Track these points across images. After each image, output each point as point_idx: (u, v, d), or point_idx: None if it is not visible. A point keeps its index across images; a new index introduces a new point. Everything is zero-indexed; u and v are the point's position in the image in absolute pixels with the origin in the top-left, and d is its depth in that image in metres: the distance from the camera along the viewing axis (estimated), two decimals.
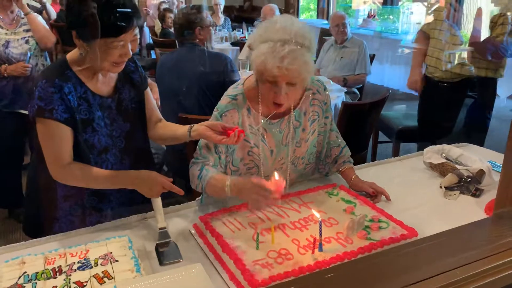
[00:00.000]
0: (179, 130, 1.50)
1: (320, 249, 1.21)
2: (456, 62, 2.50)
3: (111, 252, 1.19)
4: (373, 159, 3.39)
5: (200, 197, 1.64)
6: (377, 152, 3.52)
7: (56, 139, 1.30)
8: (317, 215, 1.24)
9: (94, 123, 1.36)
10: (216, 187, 1.40)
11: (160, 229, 1.35)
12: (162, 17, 5.77)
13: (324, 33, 5.88)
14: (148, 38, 6.82)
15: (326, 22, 7.84)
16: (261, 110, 1.52)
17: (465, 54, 2.50)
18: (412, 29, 7.72)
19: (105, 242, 1.24)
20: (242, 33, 5.83)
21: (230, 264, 1.18)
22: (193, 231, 1.38)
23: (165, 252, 1.28)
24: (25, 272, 1.12)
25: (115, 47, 1.27)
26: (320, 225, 1.22)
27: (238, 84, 1.56)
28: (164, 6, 6.22)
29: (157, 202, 1.40)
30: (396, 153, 3.24)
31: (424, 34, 2.78)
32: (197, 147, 1.53)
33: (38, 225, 1.46)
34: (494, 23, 2.65)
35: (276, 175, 1.31)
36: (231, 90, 1.56)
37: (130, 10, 1.26)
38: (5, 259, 1.17)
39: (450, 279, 0.82)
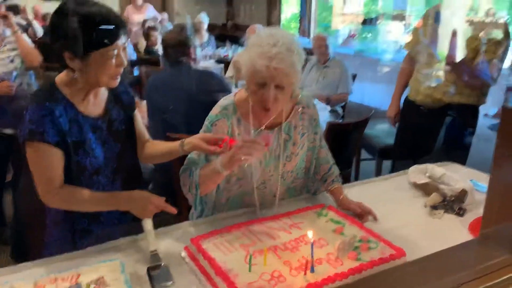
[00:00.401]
0: (169, 146, 1.53)
1: (312, 271, 1.23)
2: (438, 87, 2.55)
3: (103, 277, 1.18)
4: (356, 176, 3.44)
5: (191, 212, 1.66)
6: (360, 169, 3.58)
7: (47, 163, 1.30)
8: (310, 235, 1.26)
9: (85, 145, 1.36)
10: (208, 173, 1.45)
11: (151, 252, 1.35)
12: (146, 35, 5.79)
13: (306, 52, 5.98)
14: (132, 55, 6.80)
15: (308, 40, 7.99)
16: (252, 122, 1.54)
17: (449, 78, 2.54)
18: (392, 48, 7.95)
19: (97, 266, 1.23)
20: (226, 51, 5.89)
21: None
22: (184, 254, 1.38)
23: (157, 275, 1.27)
24: None
25: (110, 57, 1.29)
26: (312, 247, 1.24)
27: (230, 95, 1.60)
28: (149, 24, 6.24)
29: (148, 224, 1.40)
30: (378, 170, 3.31)
31: (410, 57, 2.83)
32: (187, 158, 1.56)
33: (26, 249, 1.43)
34: (472, 48, 2.71)
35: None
36: (222, 101, 1.60)
37: (116, 16, 1.29)
38: None
39: None
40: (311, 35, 8.47)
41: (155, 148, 1.57)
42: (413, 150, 2.67)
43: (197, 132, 1.79)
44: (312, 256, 1.23)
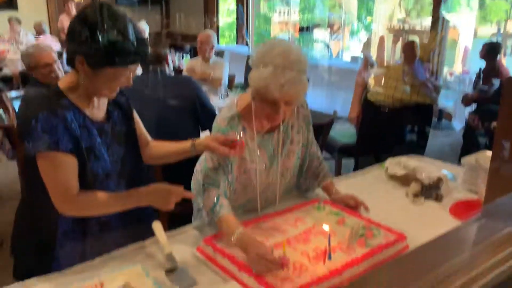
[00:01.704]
0: (178, 147, 1.52)
1: (329, 258, 1.30)
2: (398, 87, 2.76)
3: (129, 283, 1.16)
4: None
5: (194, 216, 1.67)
6: None
7: (63, 172, 1.24)
8: (326, 227, 1.33)
9: (96, 150, 1.32)
10: (223, 230, 1.40)
11: (167, 254, 1.33)
12: None
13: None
14: None
15: (247, 48, 8.14)
16: (255, 127, 1.58)
17: (407, 80, 2.75)
18: (327, 54, 8.38)
19: (119, 273, 1.20)
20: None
21: (250, 282, 1.21)
22: (198, 254, 1.39)
23: (177, 278, 1.27)
24: None
25: (122, 76, 1.27)
26: (329, 236, 1.31)
27: (231, 106, 1.61)
28: None
29: (159, 226, 1.40)
30: (338, 168, 3.47)
31: (366, 62, 3.03)
32: (204, 171, 1.55)
33: (32, 266, 1.35)
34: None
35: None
36: (226, 112, 1.60)
37: (142, 39, 1.26)
38: None
39: (465, 275, 0.94)
40: (249, 43, 8.66)
41: (162, 149, 1.55)
42: (374, 147, 2.85)
43: (180, 137, 1.77)
44: (329, 245, 1.30)
